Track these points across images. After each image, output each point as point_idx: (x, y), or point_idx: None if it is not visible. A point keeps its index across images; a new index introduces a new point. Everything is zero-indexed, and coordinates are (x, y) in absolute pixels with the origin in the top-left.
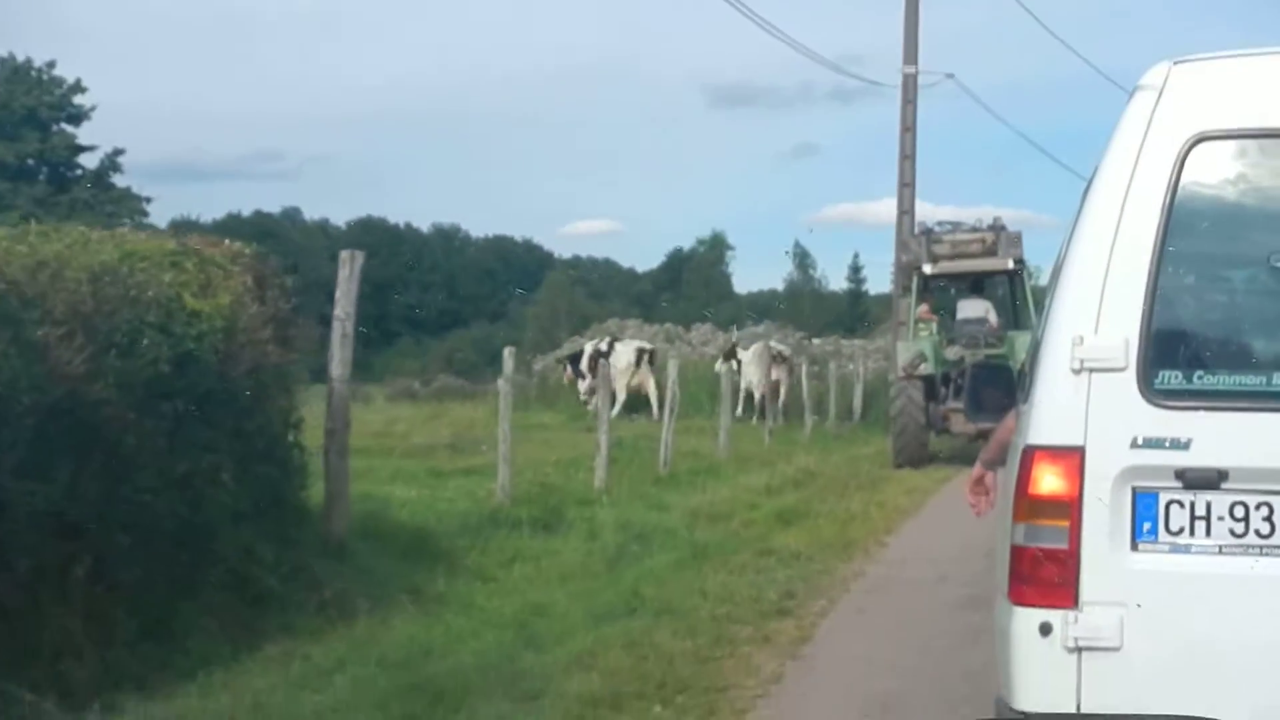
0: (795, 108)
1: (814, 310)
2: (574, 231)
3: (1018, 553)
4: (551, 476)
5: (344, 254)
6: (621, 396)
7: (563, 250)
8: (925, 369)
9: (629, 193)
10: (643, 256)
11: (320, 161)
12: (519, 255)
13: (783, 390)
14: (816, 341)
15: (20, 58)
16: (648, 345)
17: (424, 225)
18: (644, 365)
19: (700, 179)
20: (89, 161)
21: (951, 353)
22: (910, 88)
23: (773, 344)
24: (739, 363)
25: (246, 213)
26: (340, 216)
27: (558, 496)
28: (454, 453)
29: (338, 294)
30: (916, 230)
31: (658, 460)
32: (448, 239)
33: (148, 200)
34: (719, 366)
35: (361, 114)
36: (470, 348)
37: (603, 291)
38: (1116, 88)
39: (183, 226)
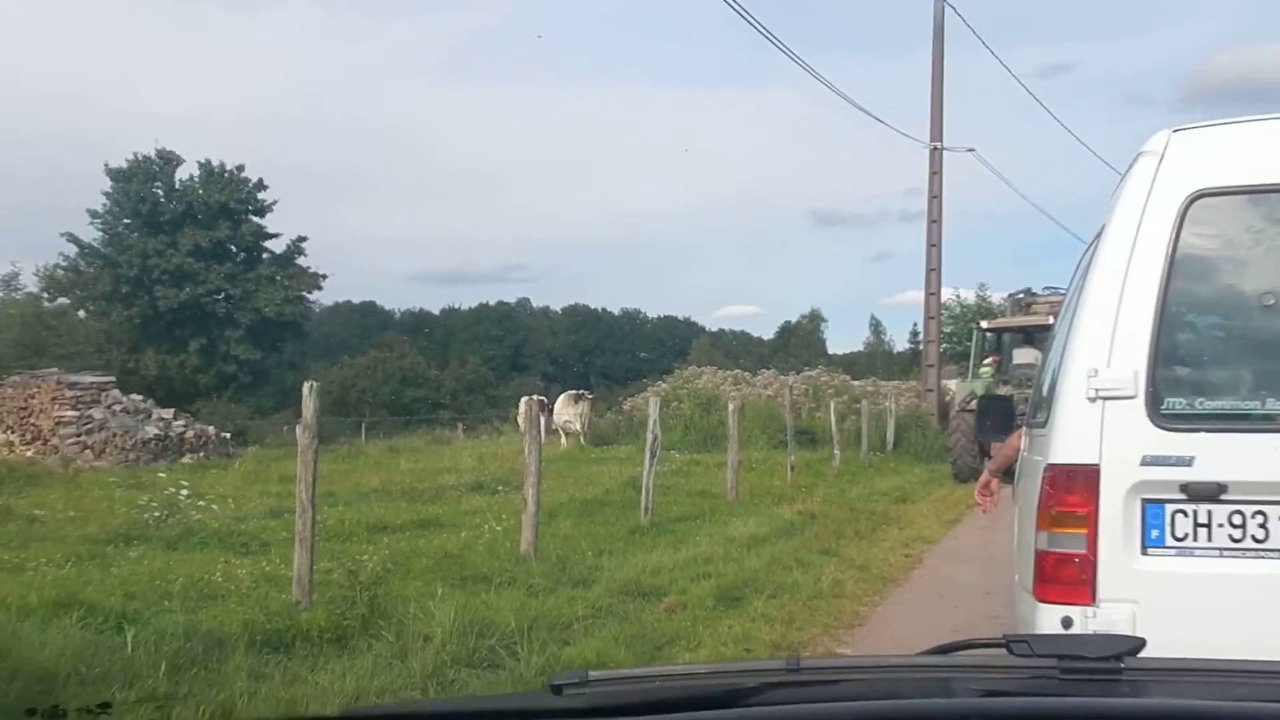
0: (875, 226)
1: (884, 365)
2: (725, 314)
3: (1042, 557)
4: (467, 543)
5: None
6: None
7: (712, 326)
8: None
9: (766, 284)
10: (769, 329)
11: (553, 270)
12: (681, 330)
13: (580, 424)
14: (858, 383)
15: (215, 163)
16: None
17: (615, 309)
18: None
19: (809, 276)
20: (276, 247)
21: (1003, 391)
22: (936, 160)
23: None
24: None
25: (492, 302)
26: (558, 304)
27: (391, 582)
28: (466, 492)
29: None
30: (1019, 294)
31: (639, 507)
32: (631, 318)
33: (324, 277)
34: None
35: (577, 236)
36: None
37: (738, 353)
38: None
39: (449, 313)
